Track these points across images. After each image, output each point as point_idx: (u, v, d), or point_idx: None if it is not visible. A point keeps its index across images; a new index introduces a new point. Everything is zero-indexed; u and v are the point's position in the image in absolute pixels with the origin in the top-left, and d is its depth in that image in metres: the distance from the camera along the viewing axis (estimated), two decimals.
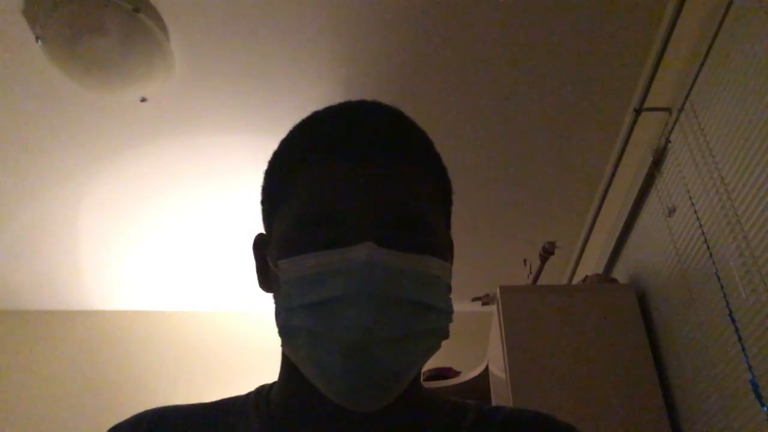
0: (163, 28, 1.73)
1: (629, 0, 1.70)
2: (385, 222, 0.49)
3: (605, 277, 2.03)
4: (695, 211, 1.51)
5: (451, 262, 0.58)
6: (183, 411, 0.59)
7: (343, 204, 0.50)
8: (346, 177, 0.51)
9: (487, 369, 2.01)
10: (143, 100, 1.91)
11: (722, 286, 1.38)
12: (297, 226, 0.51)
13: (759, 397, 1.24)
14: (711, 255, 1.44)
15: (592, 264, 2.30)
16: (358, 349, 0.46)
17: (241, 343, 2.89)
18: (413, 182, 0.53)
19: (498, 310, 1.78)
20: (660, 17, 1.72)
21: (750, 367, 1.27)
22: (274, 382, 0.61)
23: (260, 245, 0.59)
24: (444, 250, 0.55)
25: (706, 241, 1.46)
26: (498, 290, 1.81)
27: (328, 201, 0.50)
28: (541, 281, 2.11)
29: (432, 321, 0.51)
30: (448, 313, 0.52)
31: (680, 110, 1.59)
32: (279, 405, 0.57)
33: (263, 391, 0.60)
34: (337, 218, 0.50)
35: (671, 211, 1.65)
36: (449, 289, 0.54)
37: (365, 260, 0.47)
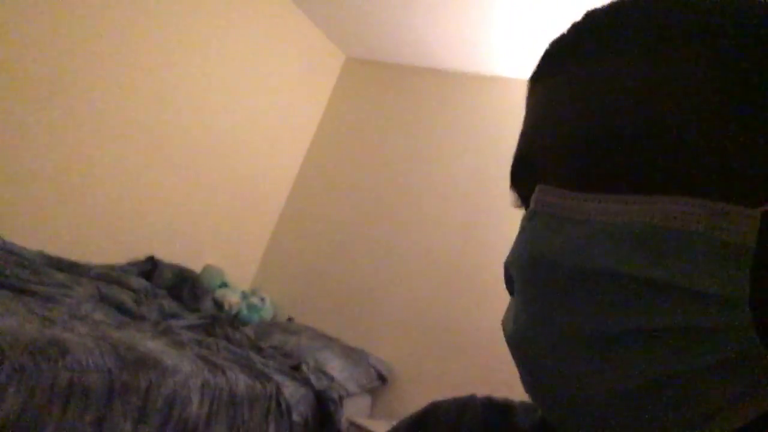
0: None
1: None
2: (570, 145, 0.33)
3: None
4: None
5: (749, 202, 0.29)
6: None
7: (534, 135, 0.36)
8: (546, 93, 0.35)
9: None
10: None
11: None
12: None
13: None
14: None
15: None
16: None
17: None
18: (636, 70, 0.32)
19: None
20: None
21: None
22: None
23: None
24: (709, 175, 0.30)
25: None
26: None
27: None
28: None
29: (662, 311, 0.28)
30: (715, 298, 0.28)
31: None
32: None
33: None
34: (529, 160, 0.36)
35: None
36: (725, 253, 0.28)
37: (524, 226, 0.34)
